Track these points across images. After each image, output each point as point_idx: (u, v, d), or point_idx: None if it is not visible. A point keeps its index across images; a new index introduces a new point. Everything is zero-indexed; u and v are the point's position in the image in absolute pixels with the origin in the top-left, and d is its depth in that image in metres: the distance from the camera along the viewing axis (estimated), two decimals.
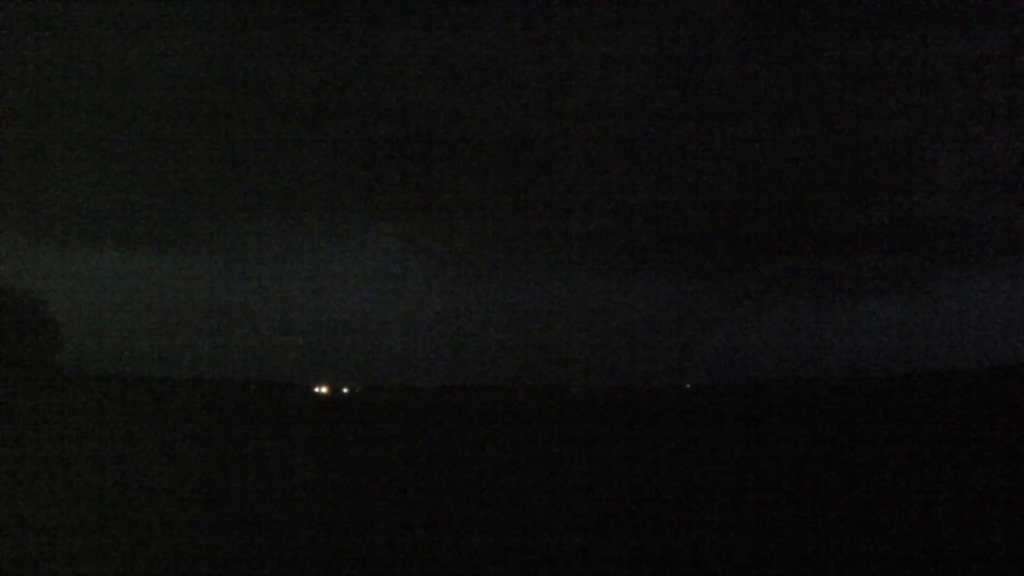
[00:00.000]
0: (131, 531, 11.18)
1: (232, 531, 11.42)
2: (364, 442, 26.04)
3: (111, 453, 20.57)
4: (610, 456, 21.75)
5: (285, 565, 9.65)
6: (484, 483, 16.59)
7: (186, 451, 22.17)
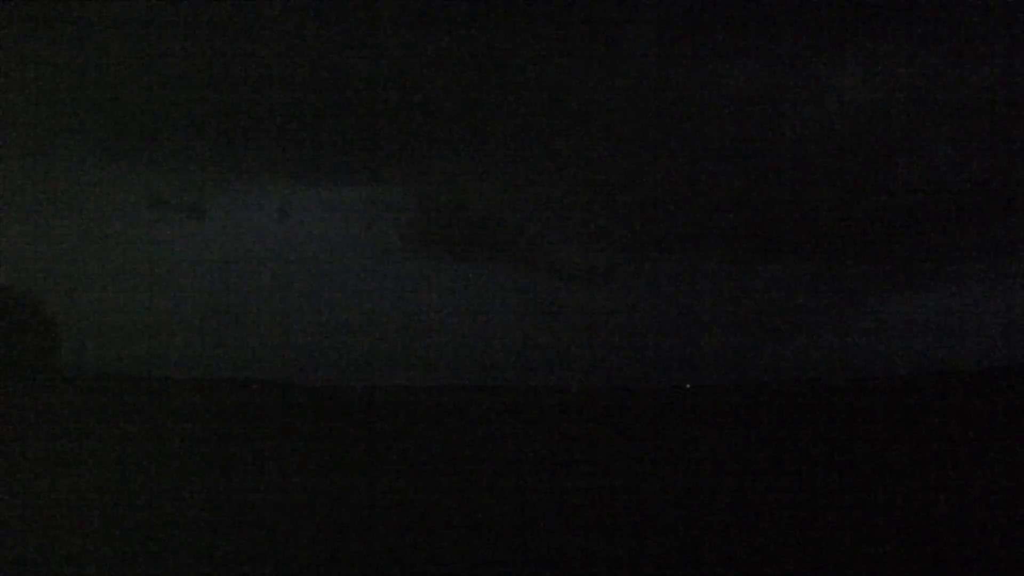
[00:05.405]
0: (131, 531, 11.18)
1: (232, 531, 11.41)
2: (364, 442, 26.02)
3: (111, 453, 20.56)
4: (610, 456, 21.75)
5: (285, 565, 9.64)
6: (484, 483, 16.59)
7: (186, 451, 22.16)
